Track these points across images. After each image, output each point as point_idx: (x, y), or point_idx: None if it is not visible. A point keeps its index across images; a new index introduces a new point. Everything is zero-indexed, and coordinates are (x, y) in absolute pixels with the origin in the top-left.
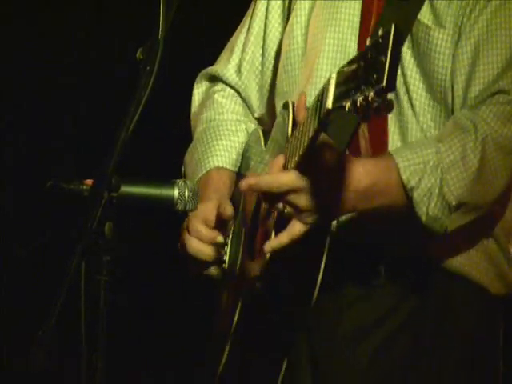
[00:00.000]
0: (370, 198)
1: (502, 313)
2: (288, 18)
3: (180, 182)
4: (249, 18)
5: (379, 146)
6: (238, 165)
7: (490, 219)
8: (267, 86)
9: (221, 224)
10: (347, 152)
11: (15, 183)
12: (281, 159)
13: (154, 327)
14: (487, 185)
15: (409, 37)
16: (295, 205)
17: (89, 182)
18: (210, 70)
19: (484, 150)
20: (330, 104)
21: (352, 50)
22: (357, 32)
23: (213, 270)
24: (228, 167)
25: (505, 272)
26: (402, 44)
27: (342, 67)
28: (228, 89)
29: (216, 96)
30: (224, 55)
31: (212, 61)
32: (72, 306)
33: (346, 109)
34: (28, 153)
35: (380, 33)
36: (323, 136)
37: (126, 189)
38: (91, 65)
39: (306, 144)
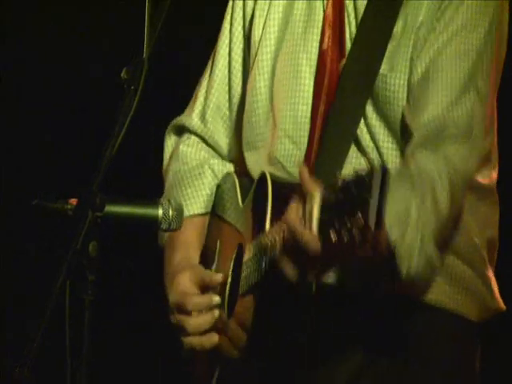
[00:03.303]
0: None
1: (479, 337)
2: (249, 62)
3: (164, 201)
4: (211, 63)
5: None
6: (210, 204)
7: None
8: (235, 131)
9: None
10: None
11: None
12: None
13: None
14: (452, 225)
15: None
16: (305, 263)
17: (73, 201)
18: (177, 121)
19: (451, 195)
20: (314, 229)
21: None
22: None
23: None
24: (197, 212)
25: (484, 298)
26: (388, 185)
27: (324, 193)
28: (193, 137)
29: (181, 146)
30: (190, 104)
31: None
32: (57, 325)
33: (332, 238)
34: (19, 166)
35: (365, 172)
36: None
37: (110, 208)
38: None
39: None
